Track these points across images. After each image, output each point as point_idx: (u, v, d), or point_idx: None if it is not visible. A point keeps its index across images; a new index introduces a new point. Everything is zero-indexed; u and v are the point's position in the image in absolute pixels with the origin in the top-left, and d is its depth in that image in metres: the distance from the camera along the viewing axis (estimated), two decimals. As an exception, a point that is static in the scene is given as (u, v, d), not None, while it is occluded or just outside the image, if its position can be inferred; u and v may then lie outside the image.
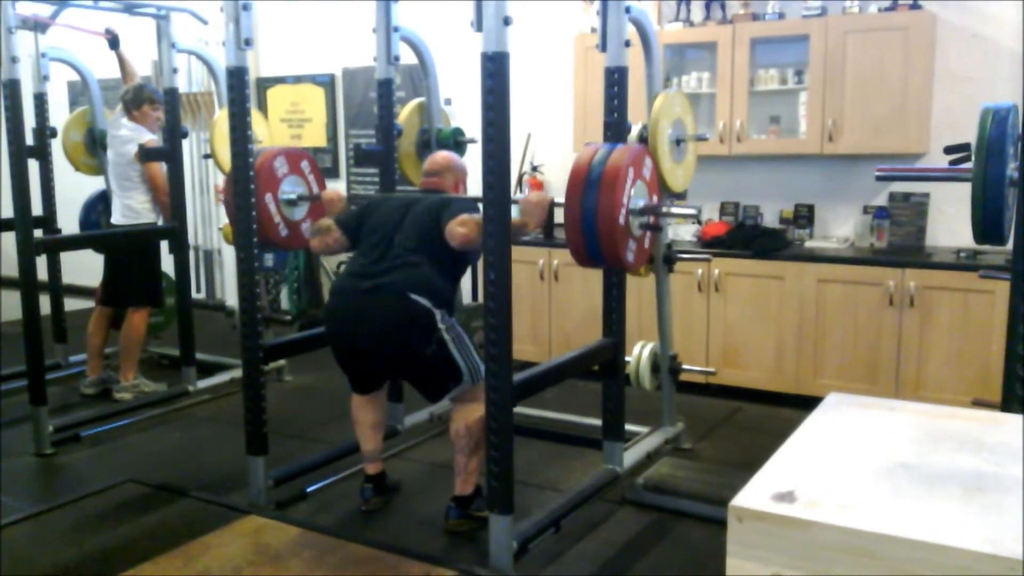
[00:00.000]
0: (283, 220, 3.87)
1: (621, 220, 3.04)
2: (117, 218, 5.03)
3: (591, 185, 3.04)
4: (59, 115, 5.90)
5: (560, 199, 3.16)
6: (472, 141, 4.14)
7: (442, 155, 3.69)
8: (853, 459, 1.65)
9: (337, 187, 6.99)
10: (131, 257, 5.03)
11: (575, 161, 3.13)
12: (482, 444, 3.34)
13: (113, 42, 5.07)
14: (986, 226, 2.47)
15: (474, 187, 3.37)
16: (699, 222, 4.14)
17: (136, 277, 5.05)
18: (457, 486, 3.43)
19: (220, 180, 7.08)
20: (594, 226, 3.04)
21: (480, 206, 2.98)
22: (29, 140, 4.62)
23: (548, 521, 3.21)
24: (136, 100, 4.95)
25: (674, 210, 3.38)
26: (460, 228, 3.16)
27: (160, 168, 4.98)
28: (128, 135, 4.91)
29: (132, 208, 4.97)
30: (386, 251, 3.35)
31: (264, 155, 3.79)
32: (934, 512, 1.42)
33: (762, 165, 5.32)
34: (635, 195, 3.15)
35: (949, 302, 4.38)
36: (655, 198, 3.33)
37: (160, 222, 5.09)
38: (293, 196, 3.88)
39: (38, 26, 5.04)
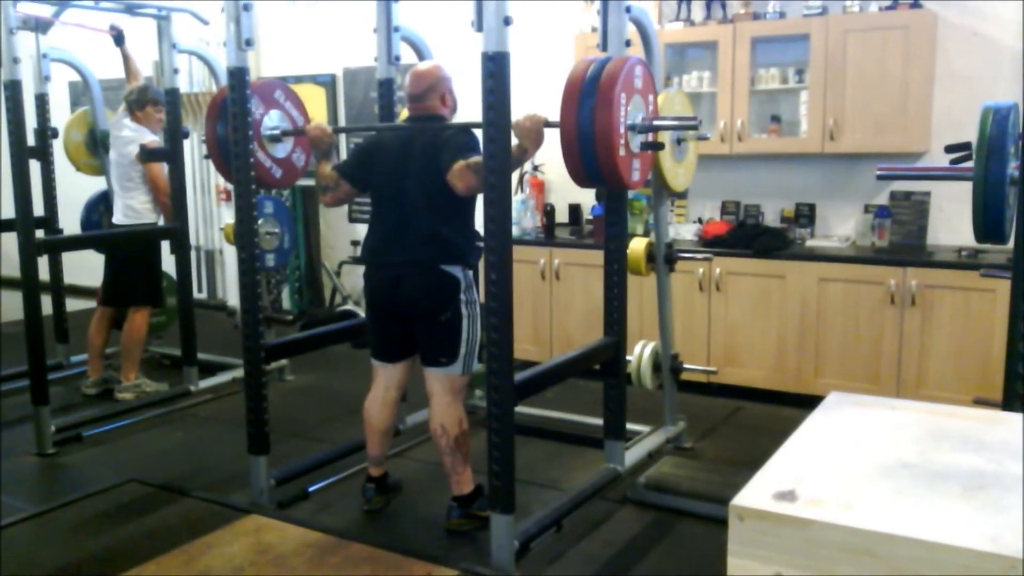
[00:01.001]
0: (273, 162, 3.80)
1: (620, 138, 2.96)
2: (119, 218, 5.04)
3: (586, 103, 2.94)
4: (60, 115, 5.91)
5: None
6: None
7: (419, 73, 3.45)
8: (854, 458, 1.65)
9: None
10: (132, 257, 5.04)
11: (568, 77, 3.00)
12: (463, 442, 3.37)
13: (118, 38, 5.08)
14: (987, 225, 2.47)
15: (468, 112, 3.26)
16: (701, 132, 3.92)
17: (137, 277, 5.06)
18: (452, 487, 3.44)
19: (221, 180, 7.09)
20: (592, 146, 2.94)
21: (474, 133, 2.96)
22: (30, 140, 4.63)
23: (550, 520, 3.21)
24: (140, 101, 4.96)
25: (673, 122, 3.25)
26: (460, 183, 3.13)
27: (161, 169, 4.99)
28: (130, 136, 4.91)
29: (133, 208, 4.98)
30: (403, 214, 3.35)
31: None
32: (935, 511, 1.42)
33: (763, 164, 5.32)
34: (632, 110, 3.04)
35: (950, 301, 4.38)
36: (651, 108, 3.19)
37: (161, 222, 5.10)
38: (276, 132, 3.79)
39: (39, 26, 5.05)
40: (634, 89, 3.06)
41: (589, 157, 2.97)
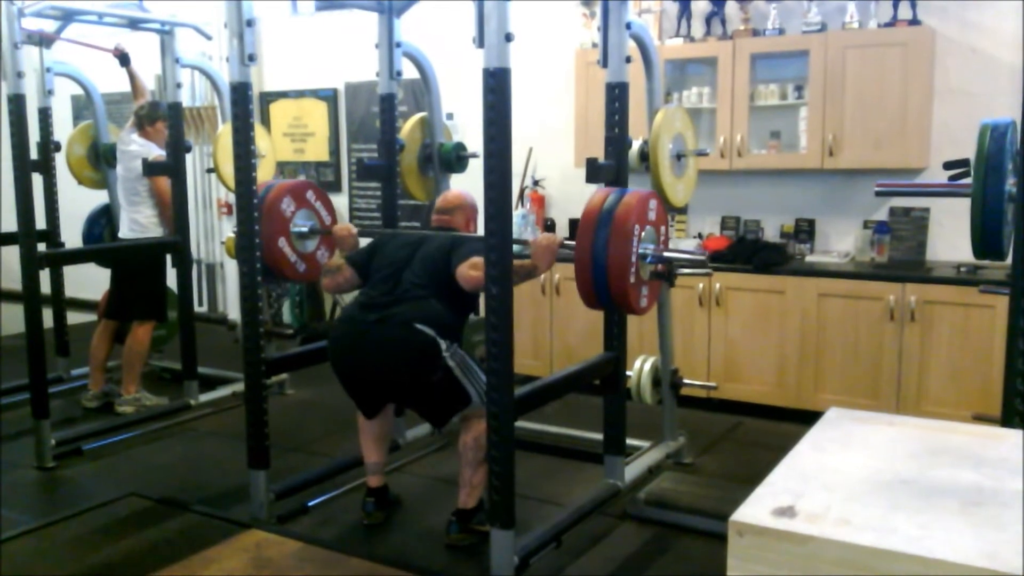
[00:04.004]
0: (299, 257, 3.88)
1: (632, 269, 3.03)
2: (124, 232, 5.06)
3: (601, 233, 3.01)
4: (63, 129, 5.94)
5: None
6: (474, 155, 4.16)
7: (453, 193, 3.72)
8: (853, 474, 1.65)
9: (340, 200, 7.02)
10: (137, 271, 5.05)
11: (585, 207, 3.10)
12: None
13: (123, 59, 5.10)
14: (985, 241, 2.48)
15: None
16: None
17: (142, 291, 5.07)
18: (461, 499, 3.44)
19: (223, 194, 7.12)
20: (604, 274, 3.02)
21: None
22: (33, 154, 4.65)
23: (549, 536, 3.21)
24: (151, 116, 5.00)
25: (683, 256, 3.32)
26: (472, 271, 3.18)
27: (168, 183, 5.01)
28: (138, 150, 4.94)
29: (139, 222, 5.00)
30: (395, 285, 3.38)
31: (270, 198, 3.73)
32: (933, 527, 1.42)
33: (763, 180, 5.34)
34: (645, 239, 3.11)
35: (950, 317, 4.38)
36: (663, 238, 3.27)
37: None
38: (305, 229, 3.87)
39: (43, 41, 5.07)
40: (647, 220, 3.12)
41: (601, 284, 3.04)
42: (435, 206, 3.70)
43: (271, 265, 3.75)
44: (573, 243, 3.07)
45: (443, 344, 3.29)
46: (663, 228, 3.26)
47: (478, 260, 3.13)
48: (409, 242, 3.50)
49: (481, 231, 3.38)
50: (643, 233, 3.09)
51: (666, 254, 3.19)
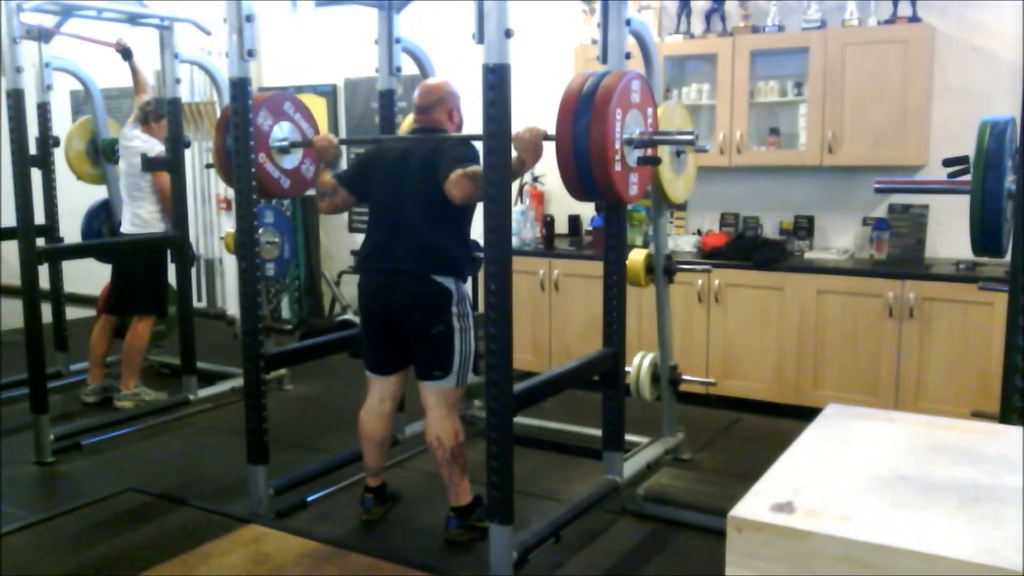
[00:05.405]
0: (282, 173, 3.80)
1: (615, 152, 2.94)
2: (127, 227, 5.06)
3: (581, 116, 2.92)
4: (62, 124, 5.92)
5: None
6: (473, 152, 4.15)
7: (428, 86, 3.53)
8: (852, 470, 1.66)
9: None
10: (138, 267, 5.06)
11: (564, 90, 2.99)
12: (459, 454, 3.38)
13: (126, 53, 5.09)
14: (984, 239, 2.49)
15: (473, 124, 3.21)
16: (700, 145, 3.71)
17: (142, 286, 5.08)
18: (451, 499, 3.45)
19: (222, 189, 7.12)
20: (587, 160, 2.92)
21: (474, 146, 2.95)
22: (32, 149, 4.64)
23: (548, 531, 3.21)
24: (157, 113, 5.00)
25: (672, 138, 3.21)
26: (456, 192, 3.14)
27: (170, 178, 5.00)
28: (141, 146, 4.94)
29: (141, 217, 5.01)
30: (398, 223, 3.36)
31: None
32: (932, 523, 1.42)
33: (762, 176, 5.34)
34: (630, 124, 3.01)
35: (948, 314, 4.39)
36: (650, 123, 3.17)
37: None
38: (285, 143, 3.79)
39: (42, 35, 5.07)
40: (631, 103, 3.05)
41: (584, 171, 2.97)
42: (414, 103, 3.52)
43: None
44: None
45: (455, 297, 3.33)
46: (649, 110, 3.17)
47: (460, 178, 3.10)
48: (397, 159, 3.40)
49: (467, 128, 3.35)
50: (627, 117, 2.99)
51: (652, 136, 3.10)
